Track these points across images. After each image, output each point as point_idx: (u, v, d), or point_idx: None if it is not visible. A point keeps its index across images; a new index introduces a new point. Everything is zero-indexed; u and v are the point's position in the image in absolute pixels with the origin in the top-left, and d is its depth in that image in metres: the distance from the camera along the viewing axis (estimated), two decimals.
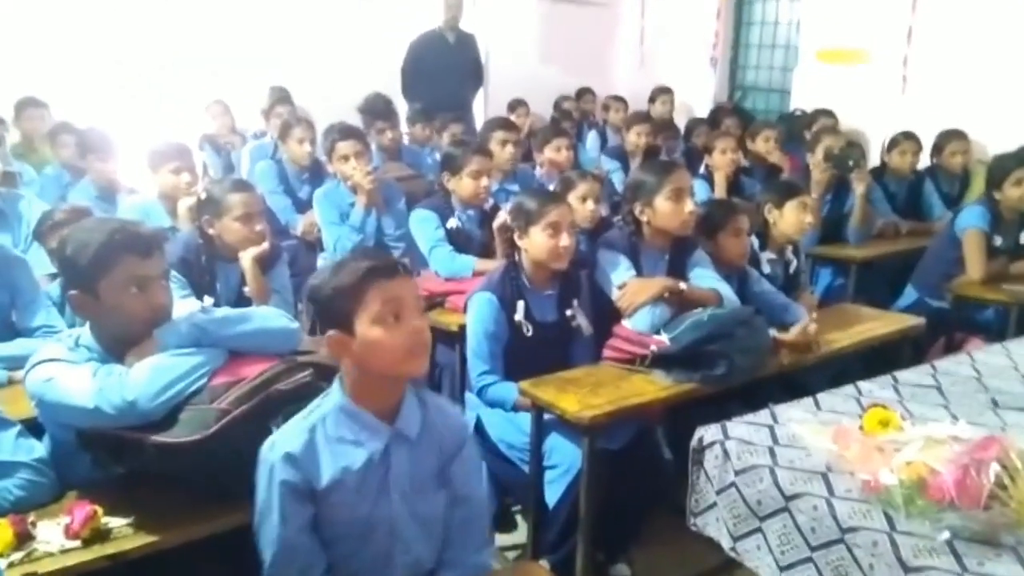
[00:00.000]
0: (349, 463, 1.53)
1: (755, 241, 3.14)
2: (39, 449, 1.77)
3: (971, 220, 3.71)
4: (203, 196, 2.81)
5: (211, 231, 2.72)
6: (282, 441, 1.53)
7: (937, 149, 4.76)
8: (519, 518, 2.92)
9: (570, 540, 2.41)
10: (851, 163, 4.17)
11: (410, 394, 1.61)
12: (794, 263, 3.25)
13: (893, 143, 4.74)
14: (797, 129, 5.71)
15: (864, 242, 4.23)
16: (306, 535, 1.53)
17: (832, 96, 5.87)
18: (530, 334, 2.58)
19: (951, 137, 4.72)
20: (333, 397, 1.57)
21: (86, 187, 3.83)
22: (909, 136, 4.69)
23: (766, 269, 3.14)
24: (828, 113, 5.64)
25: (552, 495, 2.43)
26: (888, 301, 3.91)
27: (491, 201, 3.46)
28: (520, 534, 2.83)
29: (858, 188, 4.16)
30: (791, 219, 3.13)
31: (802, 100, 6.29)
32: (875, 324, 3.00)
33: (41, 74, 5.26)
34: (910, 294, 3.95)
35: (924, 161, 4.78)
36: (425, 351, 1.55)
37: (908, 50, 5.61)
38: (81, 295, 1.78)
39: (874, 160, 5.28)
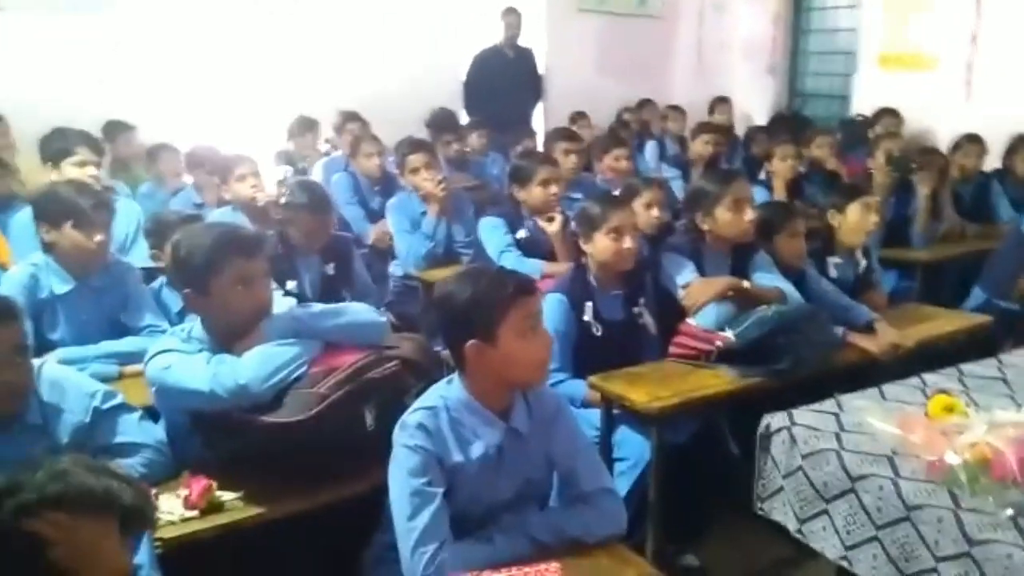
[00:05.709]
0: (468, 450, 1.66)
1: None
2: (159, 431, 1.95)
3: None
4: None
5: (291, 230, 2.95)
6: (413, 417, 1.66)
7: (1009, 152, 4.72)
8: None
9: (639, 531, 2.49)
10: (913, 165, 4.18)
11: (517, 392, 1.75)
12: (863, 264, 3.26)
13: (956, 146, 4.74)
14: (859, 132, 5.70)
15: (929, 244, 4.23)
16: (441, 498, 1.62)
17: (894, 101, 5.84)
18: (599, 333, 2.68)
19: None
20: (455, 391, 1.70)
21: (183, 200, 4.10)
22: (973, 139, 4.69)
23: (833, 273, 3.15)
24: (892, 112, 5.61)
25: (622, 487, 2.47)
26: (955, 303, 3.86)
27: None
28: None
29: (922, 190, 4.16)
30: (855, 220, 3.16)
31: (863, 105, 6.27)
32: (941, 322, 3.03)
33: (123, 97, 5.50)
34: (977, 296, 3.92)
35: (989, 164, 4.75)
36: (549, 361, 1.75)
37: (973, 55, 5.55)
38: (194, 293, 1.95)
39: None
